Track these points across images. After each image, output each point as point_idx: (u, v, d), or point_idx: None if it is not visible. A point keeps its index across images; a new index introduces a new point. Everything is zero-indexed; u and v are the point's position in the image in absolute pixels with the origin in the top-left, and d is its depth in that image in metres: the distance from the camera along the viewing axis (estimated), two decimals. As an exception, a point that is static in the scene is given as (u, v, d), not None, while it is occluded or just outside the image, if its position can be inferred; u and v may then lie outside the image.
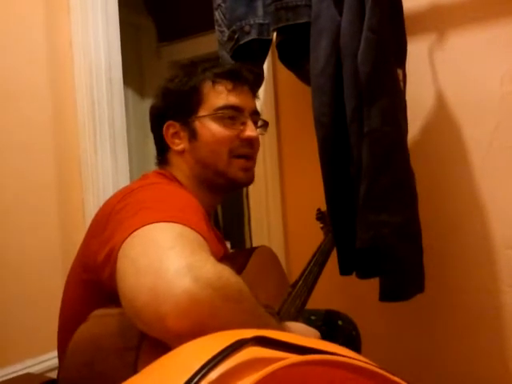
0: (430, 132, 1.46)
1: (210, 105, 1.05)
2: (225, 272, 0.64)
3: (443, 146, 1.45)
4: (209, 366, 0.42)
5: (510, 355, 1.39)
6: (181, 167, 1.07)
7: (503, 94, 1.36)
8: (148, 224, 0.71)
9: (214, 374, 0.42)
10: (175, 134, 1.07)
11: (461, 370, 1.45)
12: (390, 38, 1.20)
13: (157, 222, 0.71)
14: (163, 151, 1.10)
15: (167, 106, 1.09)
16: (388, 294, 1.19)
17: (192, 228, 0.72)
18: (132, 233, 0.71)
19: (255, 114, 1.10)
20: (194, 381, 0.41)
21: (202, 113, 1.05)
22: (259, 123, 1.12)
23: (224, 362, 0.43)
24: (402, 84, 1.28)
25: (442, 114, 1.44)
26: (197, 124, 1.05)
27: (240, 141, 1.05)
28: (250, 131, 1.06)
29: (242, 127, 1.05)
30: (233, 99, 1.05)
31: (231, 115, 1.04)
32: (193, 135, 1.05)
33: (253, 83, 1.13)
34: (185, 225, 0.72)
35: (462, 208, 1.43)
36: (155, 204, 0.80)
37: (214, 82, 1.05)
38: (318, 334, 0.90)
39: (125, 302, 0.65)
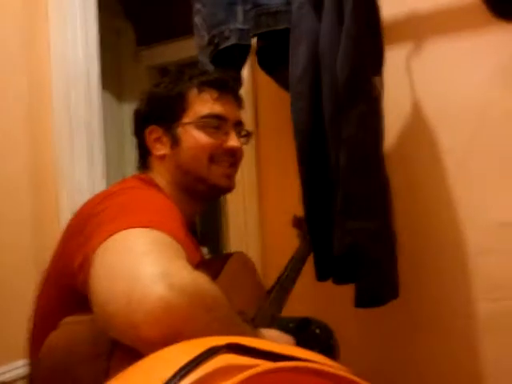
0: (407, 139, 1.47)
1: (194, 112, 1.05)
2: (200, 279, 0.64)
3: (419, 154, 1.47)
4: (181, 374, 0.42)
5: (480, 361, 1.40)
6: (161, 173, 1.06)
7: (480, 102, 1.38)
8: (124, 229, 0.70)
9: (185, 382, 0.42)
10: (157, 139, 1.06)
11: (432, 376, 1.46)
12: (368, 45, 1.22)
13: (133, 227, 0.71)
14: (144, 156, 1.10)
15: (151, 111, 1.08)
16: (363, 300, 1.19)
17: (169, 234, 0.71)
18: (107, 238, 0.70)
19: (239, 125, 1.11)
20: (165, 389, 0.40)
21: (185, 120, 1.04)
22: (242, 133, 1.12)
23: (196, 369, 0.43)
24: (379, 91, 1.29)
25: (418, 121, 1.45)
26: (180, 130, 1.04)
27: (222, 150, 1.05)
28: (233, 141, 1.06)
29: (224, 137, 1.06)
30: (217, 108, 1.05)
31: (215, 125, 1.05)
32: (175, 141, 1.05)
33: (238, 93, 1.13)
34: (161, 230, 0.71)
35: (436, 215, 1.45)
36: (133, 208, 0.79)
37: (199, 90, 1.05)
38: (292, 340, 0.90)
39: (96, 308, 0.64)
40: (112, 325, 0.62)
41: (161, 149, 1.06)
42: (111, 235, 0.70)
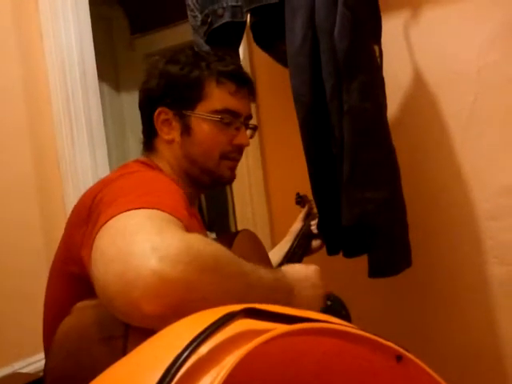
0: (409, 107, 1.45)
1: (209, 104, 1.02)
2: (195, 243, 0.63)
3: (423, 121, 1.45)
4: (199, 340, 0.41)
5: (497, 324, 1.39)
6: (166, 156, 1.05)
7: (480, 65, 1.36)
8: (117, 214, 0.70)
9: (204, 348, 0.41)
10: (166, 122, 1.04)
11: (450, 341, 1.45)
12: (365, 13, 1.19)
13: (126, 210, 0.70)
14: (150, 136, 1.07)
15: (164, 92, 1.04)
16: (377, 270, 1.18)
17: (163, 210, 0.70)
18: (103, 225, 0.70)
19: (249, 119, 1.10)
20: (184, 355, 0.40)
21: (199, 110, 1.02)
22: (250, 126, 1.12)
23: (214, 335, 0.42)
24: (378, 60, 1.27)
25: (419, 88, 1.43)
26: (192, 120, 1.02)
27: (231, 146, 1.05)
28: (243, 139, 1.07)
29: (235, 132, 1.05)
30: (233, 104, 1.04)
31: (228, 120, 1.03)
32: (186, 130, 1.03)
33: (253, 86, 1.11)
34: (155, 208, 0.70)
35: (444, 182, 1.43)
36: (130, 192, 0.79)
37: (218, 82, 1.03)
38: (317, 268, 0.87)
39: (98, 294, 0.64)
40: (115, 308, 0.62)
41: (169, 133, 1.04)
42: (106, 222, 0.70)
